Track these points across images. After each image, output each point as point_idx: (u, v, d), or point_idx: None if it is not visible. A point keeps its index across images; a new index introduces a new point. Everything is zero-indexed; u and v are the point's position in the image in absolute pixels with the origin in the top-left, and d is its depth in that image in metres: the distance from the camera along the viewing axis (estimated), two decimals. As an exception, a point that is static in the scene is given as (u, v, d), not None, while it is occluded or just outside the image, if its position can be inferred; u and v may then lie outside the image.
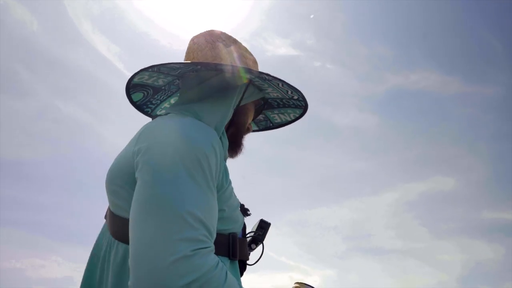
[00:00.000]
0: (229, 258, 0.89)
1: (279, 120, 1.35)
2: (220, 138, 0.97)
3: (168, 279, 0.64)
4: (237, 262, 0.93)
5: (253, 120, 1.18)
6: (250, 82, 1.07)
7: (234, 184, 0.97)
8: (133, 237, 0.71)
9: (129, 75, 1.14)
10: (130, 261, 0.69)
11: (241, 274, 0.97)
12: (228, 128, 1.07)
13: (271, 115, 1.34)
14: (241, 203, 1.04)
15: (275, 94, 1.16)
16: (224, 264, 0.75)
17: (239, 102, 1.06)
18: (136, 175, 0.79)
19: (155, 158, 0.77)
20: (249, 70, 1.00)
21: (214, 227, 0.76)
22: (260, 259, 1.05)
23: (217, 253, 0.81)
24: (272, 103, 1.27)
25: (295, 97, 1.15)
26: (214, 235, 0.76)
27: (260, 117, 1.35)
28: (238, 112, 1.08)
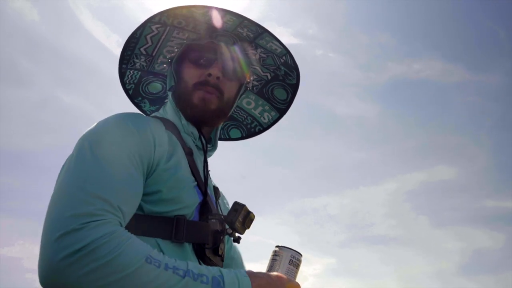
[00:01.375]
0: (172, 241, 0.85)
1: (266, 120, 1.34)
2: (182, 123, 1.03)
3: (52, 252, 0.65)
4: (186, 245, 0.88)
5: (206, 57, 1.06)
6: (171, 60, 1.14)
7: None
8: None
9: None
10: None
11: (204, 259, 0.91)
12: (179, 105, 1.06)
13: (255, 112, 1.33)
14: (228, 205, 1.01)
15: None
16: (129, 234, 0.72)
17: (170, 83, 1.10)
18: None
19: (75, 146, 0.82)
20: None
21: (121, 202, 0.74)
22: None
23: (158, 236, 0.83)
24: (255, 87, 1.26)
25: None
26: (124, 210, 0.74)
27: (259, 55, 1.21)
28: (175, 87, 1.08)
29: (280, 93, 1.28)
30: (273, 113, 1.32)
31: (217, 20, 1.06)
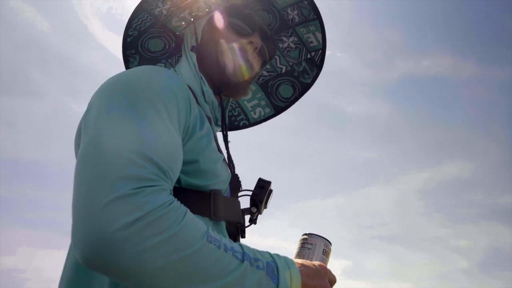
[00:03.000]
0: (210, 218, 0.76)
1: (256, 116, 1.24)
2: (202, 88, 0.92)
3: (103, 222, 0.53)
4: (223, 223, 0.80)
5: (253, 28, 0.99)
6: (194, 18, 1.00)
7: (245, 173, 0.89)
8: (73, 187, 0.61)
9: None
10: (72, 208, 0.59)
11: (236, 239, 0.86)
12: (208, 69, 0.96)
13: (249, 108, 1.23)
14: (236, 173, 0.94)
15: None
16: (183, 206, 0.62)
17: (196, 41, 0.97)
18: (82, 121, 0.71)
19: (97, 101, 0.68)
20: None
21: (171, 168, 0.64)
22: (256, 224, 0.93)
23: (197, 212, 0.70)
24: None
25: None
26: (172, 178, 0.65)
27: (290, 42, 1.15)
28: (203, 48, 0.97)
29: (285, 90, 1.21)
30: (267, 110, 1.24)
31: None
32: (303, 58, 1.16)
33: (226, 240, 0.64)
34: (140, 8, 0.98)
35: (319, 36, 1.10)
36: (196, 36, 0.97)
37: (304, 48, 1.14)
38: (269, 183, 0.92)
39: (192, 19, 1.00)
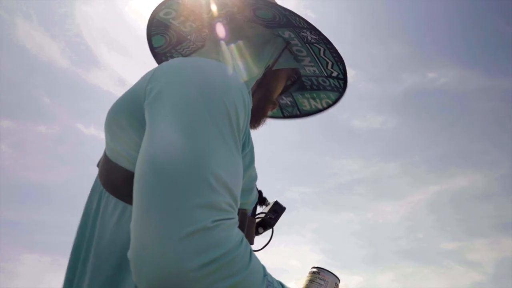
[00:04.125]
0: None
1: (308, 108, 1.22)
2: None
3: (181, 256, 0.48)
4: None
5: (280, 94, 1.06)
6: (287, 45, 0.98)
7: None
8: (138, 200, 0.53)
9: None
10: (132, 227, 0.52)
11: None
12: (254, 91, 0.95)
13: (301, 100, 1.21)
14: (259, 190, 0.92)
15: (311, 69, 1.05)
16: (248, 242, 0.57)
17: (273, 64, 0.95)
18: (146, 118, 0.61)
19: (172, 100, 0.59)
20: (291, 24, 0.90)
21: (239, 194, 0.58)
22: (268, 247, 0.91)
23: None
24: (305, 82, 1.14)
25: (334, 74, 1.04)
26: (238, 205, 0.58)
27: (287, 101, 1.22)
28: (269, 76, 0.96)
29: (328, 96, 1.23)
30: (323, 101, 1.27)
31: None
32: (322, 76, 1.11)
33: (274, 280, 0.61)
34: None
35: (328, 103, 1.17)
36: (275, 63, 0.95)
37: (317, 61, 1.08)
38: (283, 209, 0.92)
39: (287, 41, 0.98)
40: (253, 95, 0.93)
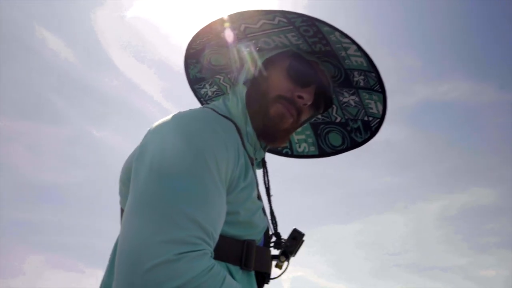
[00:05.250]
0: (241, 267, 0.77)
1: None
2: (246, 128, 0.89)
3: (146, 286, 0.55)
4: (252, 273, 0.81)
5: (309, 83, 0.94)
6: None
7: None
8: (120, 237, 0.63)
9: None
10: (115, 264, 0.61)
11: (260, 287, 0.86)
12: (251, 107, 0.92)
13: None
14: (295, 227, 0.95)
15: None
16: (223, 270, 0.65)
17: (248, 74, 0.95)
18: (132, 168, 0.71)
19: (151, 152, 0.69)
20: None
21: (215, 229, 0.66)
22: (285, 274, 0.94)
23: (228, 261, 0.74)
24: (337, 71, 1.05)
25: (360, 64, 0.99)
26: (215, 238, 0.66)
27: (351, 99, 1.12)
28: (255, 85, 0.93)
29: (334, 138, 1.21)
30: (312, 148, 1.24)
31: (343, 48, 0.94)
32: (359, 118, 1.15)
33: None
34: (210, 30, 0.95)
35: (380, 107, 1.09)
36: (254, 70, 0.94)
37: (363, 110, 1.12)
38: (303, 235, 0.93)
39: (257, 49, 0.98)
40: (252, 113, 0.91)
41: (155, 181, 0.64)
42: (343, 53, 0.96)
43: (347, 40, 0.90)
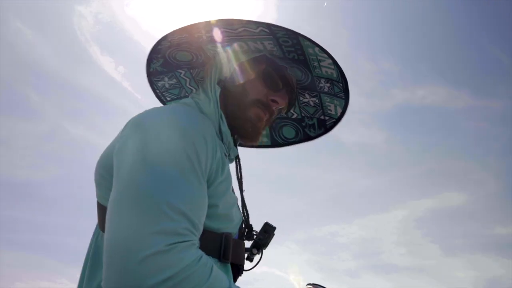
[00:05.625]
0: (219, 260, 0.80)
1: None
2: (220, 126, 0.91)
3: (138, 277, 0.57)
4: (229, 265, 0.84)
5: (281, 86, 1.00)
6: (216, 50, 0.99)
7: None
8: (107, 230, 0.63)
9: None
10: (103, 257, 0.62)
11: (235, 279, 0.89)
12: (228, 109, 0.96)
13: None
14: (250, 223, 0.98)
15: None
16: (210, 260, 0.68)
17: (219, 76, 0.97)
18: (114, 161, 0.73)
19: (136, 145, 0.71)
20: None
21: (200, 220, 0.68)
22: (257, 267, 0.98)
23: (207, 252, 0.74)
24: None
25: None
26: (200, 229, 0.69)
27: (311, 101, 1.18)
28: (230, 86, 0.96)
29: (288, 132, 1.27)
30: (265, 139, 1.30)
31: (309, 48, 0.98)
32: (316, 116, 1.22)
33: None
34: (184, 31, 0.96)
35: (339, 110, 1.17)
36: (227, 71, 0.97)
37: (321, 111, 1.20)
38: (274, 228, 0.96)
39: (228, 50, 0.99)
40: (228, 114, 0.95)
41: (140, 173, 0.66)
42: (315, 64, 1.03)
43: (324, 55, 0.98)
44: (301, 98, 1.19)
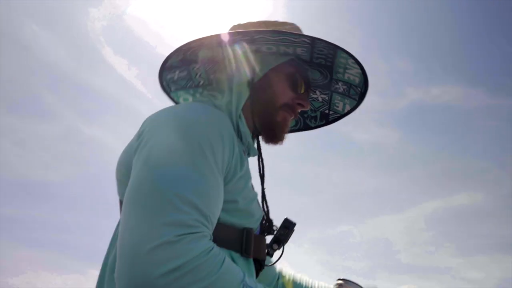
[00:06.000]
0: (241, 255, 0.81)
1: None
2: (238, 126, 0.91)
3: (147, 266, 0.58)
4: (251, 260, 0.85)
5: (304, 90, 1.02)
6: (256, 51, 0.97)
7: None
8: (120, 224, 0.65)
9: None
10: (117, 250, 0.64)
11: (257, 275, 0.89)
12: (252, 111, 0.96)
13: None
14: (271, 218, 0.99)
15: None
16: (222, 252, 0.67)
17: (253, 76, 0.95)
18: (134, 160, 0.75)
19: (151, 142, 0.72)
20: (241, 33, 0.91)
21: (213, 213, 0.69)
22: (279, 261, 0.98)
23: (228, 247, 0.77)
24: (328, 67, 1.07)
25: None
26: (213, 222, 0.69)
27: (320, 97, 1.20)
28: (258, 87, 0.96)
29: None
30: None
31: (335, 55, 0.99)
32: (320, 110, 1.23)
33: (259, 285, 0.69)
34: (218, 36, 0.94)
35: (347, 108, 1.18)
36: (255, 73, 0.95)
37: (327, 106, 1.21)
38: (294, 224, 0.97)
39: (258, 52, 0.98)
40: (255, 115, 0.96)
41: (153, 169, 0.68)
42: (340, 70, 1.05)
43: (356, 66, 0.99)
44: (310, 94, 1.20)
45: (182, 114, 0.77)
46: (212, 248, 0.64)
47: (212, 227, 0.69)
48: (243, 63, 0.98)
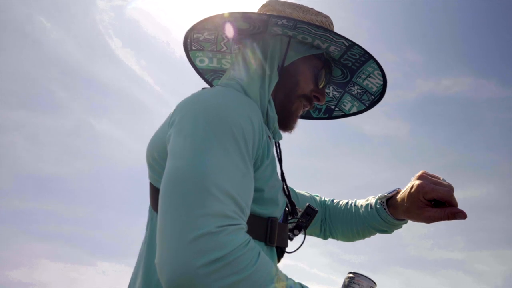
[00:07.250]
0: (266, 244, 0.82)
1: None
2: (267, 111, 0.91)
3: (188, 257, 0.59)
4: (274, 248, 0.87)
5: (324, 85, 1.03)
6: (290, 38, 0.97)
7: None
8: (159, 212, 0.66)
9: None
10: (157, 237, 0.65)
11: (278, 261, 0.91)
12: (275, 96, 0.97)
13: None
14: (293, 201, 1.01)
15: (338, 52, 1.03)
16: (256, 245, 0.68)
17: (283, 61, 0.95)
18: (168, 148, 0.75)
19: (185, 129, 0.73)
20: (276, 17, 0.90)
21: (247, 204, 0.70)
22: (298, 251, 1.00)
23: (253, 237, 0.75)
24: (348, 64, 1.07)
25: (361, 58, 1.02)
26: (247, 213, 0.70)
27: (332, 93, 1.21)
28: (286, 74, 0.96)
29: None
30: None
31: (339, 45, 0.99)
32: (327, 104, 1.26)
33: (291, 281, 0.70)
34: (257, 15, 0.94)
35: (354, 110, 1.21)
36: (286, 59, 0.96)
37: (335, 103, 1.23)
38: (316, 212, 0.99)
39: (294, 40, 0.98)
40: (274, 100, 0.96)
41: (189, 156, 0.68)
42: (362, 75, 1.08)
43: (380, 78, 1.05)
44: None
45: (212, 101, 0.77)
46: (250, 241, 0.66)
47: (246, 218, 0.69)
48: (279, 47, 0.97)
